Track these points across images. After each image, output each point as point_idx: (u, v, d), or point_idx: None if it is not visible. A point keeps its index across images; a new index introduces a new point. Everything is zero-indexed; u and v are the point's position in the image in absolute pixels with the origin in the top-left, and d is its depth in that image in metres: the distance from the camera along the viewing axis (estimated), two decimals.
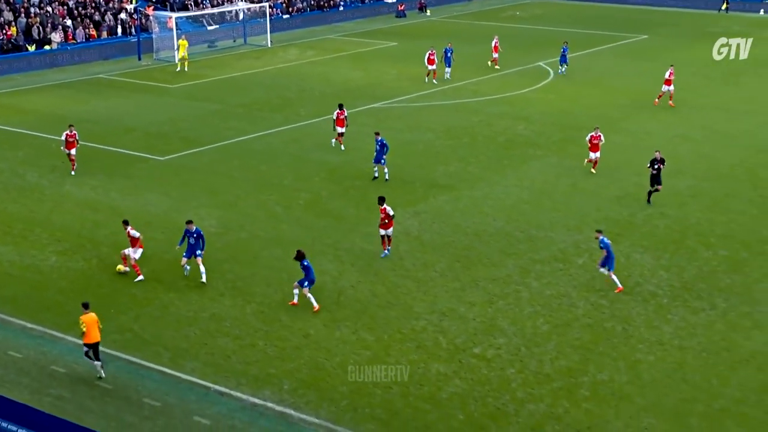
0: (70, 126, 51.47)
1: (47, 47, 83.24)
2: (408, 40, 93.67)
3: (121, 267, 39.41)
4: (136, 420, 28.86)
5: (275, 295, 37.09)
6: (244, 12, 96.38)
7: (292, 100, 69.77)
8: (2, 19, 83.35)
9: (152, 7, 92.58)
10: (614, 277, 37.76)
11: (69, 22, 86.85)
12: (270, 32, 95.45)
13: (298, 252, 35.85)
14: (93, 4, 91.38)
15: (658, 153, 47.04)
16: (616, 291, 37.48)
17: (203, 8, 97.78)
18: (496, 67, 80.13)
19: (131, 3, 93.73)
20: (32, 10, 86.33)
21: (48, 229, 43.77)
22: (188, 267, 38.44)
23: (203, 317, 35.29)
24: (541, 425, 28.86)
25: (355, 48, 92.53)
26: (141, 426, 28.63)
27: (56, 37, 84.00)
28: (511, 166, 53.46)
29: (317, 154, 55.20)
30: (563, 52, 76.74)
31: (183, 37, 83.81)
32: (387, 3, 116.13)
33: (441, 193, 48.61)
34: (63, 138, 51.11)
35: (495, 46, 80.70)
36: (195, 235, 38.00)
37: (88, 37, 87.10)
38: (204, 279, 37.80)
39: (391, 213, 39.96)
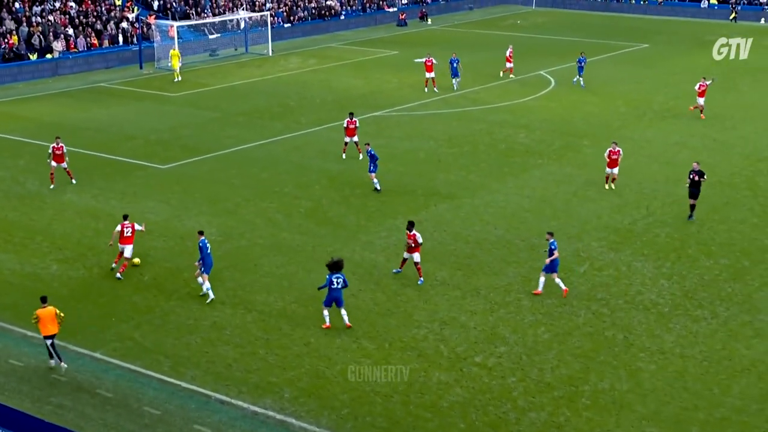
0: (57, 138, 50.90)
1: (49, 56, 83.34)
2: (409, 48, 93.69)
3: (136, 260, 40.36)
4: (137, 428, 28.80)
5: (276, 303, 37.06)
6: (245, 21, 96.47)
7: (293, 109, 69.78)
8: (4, 28, 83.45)
9: (154, 16, 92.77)
10: (557, 279, 38.01)
11: (71, 31, 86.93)
12: (271, 41, 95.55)
13: (334, 262, 35.02)
14: (95, 13, 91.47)
15: (696, 164, 46.17)
16: (536, 293, 37.98)
17: (205, 17, 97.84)
18: (511, 76, 79.82)
19: (133, 12, 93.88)
20: (34, 19, 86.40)
21: (49, 238, 43.80)
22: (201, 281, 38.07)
23: (204, 325, 35.25)
24: None
25: (356, 56, 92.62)
26: None
27: (58, 45, 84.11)
28: (512, 174, 53.44)
29: (318, 162, 55.21)
30: (581, 63, 76.17)
31: (175, 47, 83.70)
32: (388, 12, 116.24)
33: (442, 201, 48.59)
34: (50, 151, 50.41)
35: (509, 56, 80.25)
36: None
37: (90, 46, 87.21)
38: (209, 299, 37.26)
39: (420, 240, 38.73)
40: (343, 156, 55.63)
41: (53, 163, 50.39)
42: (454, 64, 74.54)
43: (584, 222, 45.77)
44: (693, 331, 34.94)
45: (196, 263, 37.67)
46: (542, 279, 38.00)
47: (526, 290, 38.19)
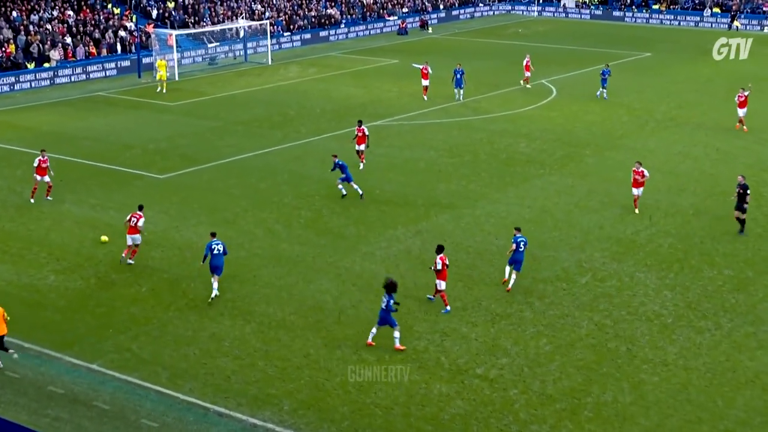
0: (42, 151, 50.24)
1: (46, 65, 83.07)
2: (409, 57, 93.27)
3: (104, 238, 43.86)
4: None
5: (275, 314, 36.82)
6: (244, 29, 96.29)
7: (293, 118, 69.56)
8: (1, 36, 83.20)
9: (152, 25, 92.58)
10: (514, 277, 38.78)
11: (69, 40, 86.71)
12: (271, 50, 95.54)
13: (390, 283, 34.34)
14: (93, 22, 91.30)
15: (741, 178, 45.43)
16: (506, 290, 38.77)
17: (204, 26, 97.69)
18: (528, 86, 79.45)
19: (131, 21, 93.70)
20: (32, 28, 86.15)
21: (46, 248, 43.54)
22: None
23: (202, 337, 34.99)
24: None
25: (357, 65, 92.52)
26: None
27: (55, 54, 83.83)
28: (513, 184, 53.18)
29: (317, 172, 54.87)
30: (603, 75, 75.05)
31: (163, 57, 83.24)
32: (389, 20, 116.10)
33: (443, 212, 48.33)
34: (35, 164, 49.37)
35: (527, 65, 79.71)
36: None
37: (88, 55, 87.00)
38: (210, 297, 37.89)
39: (439, 267, 37.07)
40: (361, 166, 55.34)
41: (37, 177, 49.54)
42: (458, 75, 73.88)
43: (586, 232, 45.49)
44: (696, 343, 34.67)
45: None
46: (507, 269, 39.05)
47: (528, 301, 37.98)
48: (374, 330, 34.30)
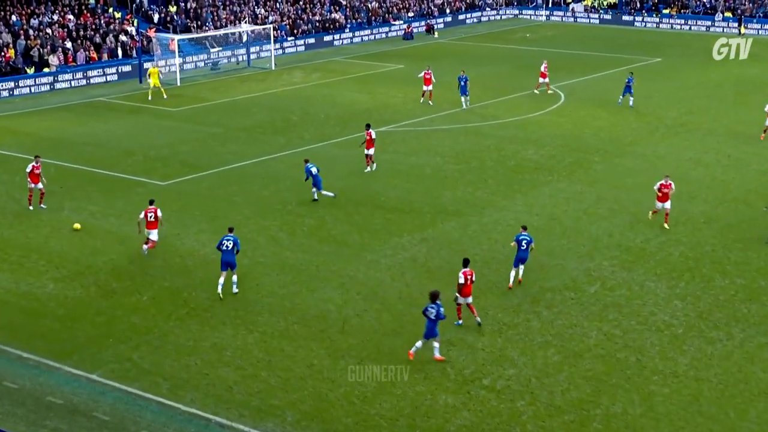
0: (36, 157, 49.46)
1: (46, 70, 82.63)
2: (415, 62, 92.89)
3: (77, 225, 45.61)
4: None
5: (278, 323, 36.33)
6: (247, 34, 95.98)
7: (296, 124, 69.16)
8: (1, 41, 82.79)
9: (154, 29, 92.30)
10: (520, 271, 39.49)
11: (69, 45, 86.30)
12: (274, 54, 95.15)
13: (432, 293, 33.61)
14: (93, 26, 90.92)
15: None
16: (518, 281, 39.53)
17: (206, 30, 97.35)
18: (549, 92, 78.71)
19: (132, 25, 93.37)
20: (31, 32, 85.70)
21: (45, 256, 43.05)
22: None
23: (204, 347, 34.52)
24: None
25: (361, 70, 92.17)
26: None
27: (54, 59, 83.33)
28: (521, 191, 52.65)
29: (321, 178, 54.41)
30: (628, 82, 73.93)
31: (155, 64, 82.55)
32: (394, 25, 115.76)
33: (449, 219, 47.84)
34: (29, 170, 48.60)
35: (543, 72, 78.74)
36: None
37: (89, 60, 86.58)
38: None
39: (461, 281, 35.95)
40: (367, 169, 55.42)
41: (31, 184, 48.87)
42: (462, 82, 73.03)
43: (595, 240, 44.96)
44: (708, 354, 34.15)
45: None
46: (512, 273, 39.30)
47: (535, 311, 37.44)
48: (419, 344, 33.49)
